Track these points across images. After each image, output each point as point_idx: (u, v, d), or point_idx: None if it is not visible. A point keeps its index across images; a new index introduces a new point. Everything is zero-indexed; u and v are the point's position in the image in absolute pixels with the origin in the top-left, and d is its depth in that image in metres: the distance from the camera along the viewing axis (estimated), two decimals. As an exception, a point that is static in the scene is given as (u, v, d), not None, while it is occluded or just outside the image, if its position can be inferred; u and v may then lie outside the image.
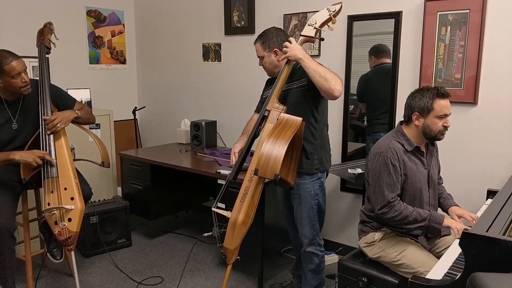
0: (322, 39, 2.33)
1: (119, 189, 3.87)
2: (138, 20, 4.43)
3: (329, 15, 2.08)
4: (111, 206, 3.34)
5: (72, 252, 2.38)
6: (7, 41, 3.34)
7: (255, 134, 2.16)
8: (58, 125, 2.39)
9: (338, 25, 2.98)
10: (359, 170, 2.64)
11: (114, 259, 3.20)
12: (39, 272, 2.93)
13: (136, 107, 4.07)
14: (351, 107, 3.20)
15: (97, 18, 4.09)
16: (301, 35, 2.15)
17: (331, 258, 3.17)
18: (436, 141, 2.11)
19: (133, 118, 4.12)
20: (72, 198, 2.37)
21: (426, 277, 1.49)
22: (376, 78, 3.10)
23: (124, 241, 3.42)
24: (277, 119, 2.06)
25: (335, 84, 1.99)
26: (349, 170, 2.67)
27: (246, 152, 2.18)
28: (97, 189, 3.66)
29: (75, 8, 3.92)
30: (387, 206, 1.93)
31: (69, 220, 2.33)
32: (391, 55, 2.88)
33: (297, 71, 2.25)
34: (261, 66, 2.39)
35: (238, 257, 2.12)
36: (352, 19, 2.97)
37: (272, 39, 2.28)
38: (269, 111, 2.13)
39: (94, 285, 2.83)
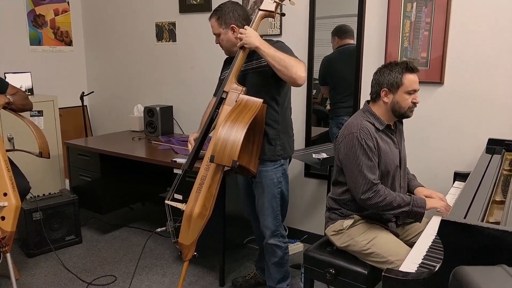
0: (283, 14, 2.15)
1: (67, 182, 3.56)
2: (84, -3, 4.07)
3: (290, -13, 1.90)
4: (57, 201, 3.05)
5: (8, 256, 2.11)
6: None
7: (212, 118, 1.96)
8: None
9: (300, 4, 2.83)
10: (324, 155, 2.51)
11: (62, 258, 2.93)
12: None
13: (83, 92, 3.74)
14: (314, 91, 3.06)
15: (37, -6, 3.71)
16: (260, 10, 1.96)
17: (296, 247, 3.05)
18: (403, 120, 2.00)
19: (80, 104, 3.79)
20: (5, 194, 2.10)
21: (400, 269, 1.36)
22: (339, 60, 2.97)
23: (73, 238, 3.14)
24: (236, 101, 1.87)
25: (297, 71, 1.84)
26: (314, 155, 2.53)
27: (203, 139, 1.98)
28: (43, 183, 3.37)
29: (11, -17, 3.53)
30: (371, 190, 1.78)
31: (2, 218, 2.06)
32: (355, 36, 2.75)
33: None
34: (218, 44, 2.18)
35: (195, 253, 1.94)
36: (314, -6, 2.81)
37: (229, 14, 2.07)
38: (227, 92, 1.93)
39: (38, 288, 2.57)
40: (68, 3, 3.96)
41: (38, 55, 3.79)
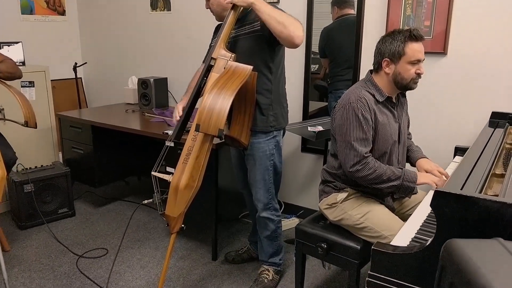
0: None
1: (61, 154, 3.50)
2: (77, -36, 3.93)
3: None
4: (49, 173, 2.99)
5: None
6: None
7: (199, 87, 1.87)
8: None
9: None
10: (320, 128, 2.42)
11: (54, 230, 2.89)
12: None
13: (76, 63, 3.64)
14: (315, 66, 2.95)
15: (27, -40, 3.58)
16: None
17: (292, 222, 2.99)
18: (407, 92, 1.90)
19: (74, 76, 3.69)
20: (-11, 164, 2.03)
21: (391, 243, 1.30)
22: (339, 31, 2.84)
23: (66, 210, 3.10)
24: (224, 68, 1.77)
25: (295, 30, 1.72)
26: (309, 128, 2.45)
27: (191, 108, 1.89)
28: (35, 155, 3.32)
29: None
30: (360, 163, 1.71)
31: (-13, 189, 2.00)
32: (355, 5, 2.62)
33: (250, 14, 1.95)
34: (209, 9, 2.07)
35: (183, 226, 1.88)
36: (313, -41, 2.66)
37: None
38: (215, 59, 1.83)
39: (28, 260, 2.53)
40: (60, -30, 3.82)
41: (30, 25, 3.67)
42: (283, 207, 3.15)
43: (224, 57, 1.81)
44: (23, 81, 3.16)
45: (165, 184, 1.88)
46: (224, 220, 3.03)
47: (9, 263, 2.48)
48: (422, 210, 1.55)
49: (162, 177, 1.85)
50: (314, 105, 3.03)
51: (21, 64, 3.32)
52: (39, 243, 2.75)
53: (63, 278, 2.37)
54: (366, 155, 1.72)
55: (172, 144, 1.98)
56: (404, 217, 1.76)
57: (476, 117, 2.32)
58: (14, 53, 3.30)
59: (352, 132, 1.72)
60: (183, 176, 1.76)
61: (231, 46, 1.97)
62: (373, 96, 1.78)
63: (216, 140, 2.07)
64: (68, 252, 2.62)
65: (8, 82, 2.29)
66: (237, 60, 1.82)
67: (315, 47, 2.89)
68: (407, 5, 2.39)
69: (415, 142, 2.11)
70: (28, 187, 2.87)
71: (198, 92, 1.87)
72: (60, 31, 3.92)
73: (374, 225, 1.76)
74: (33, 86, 3.28)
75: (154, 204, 1.96)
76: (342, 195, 1.87)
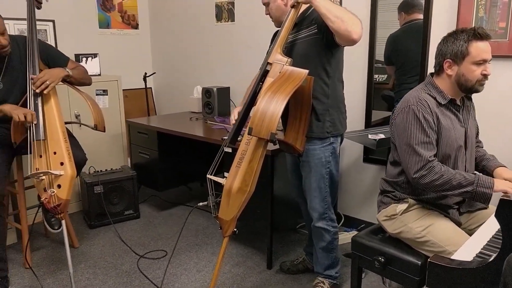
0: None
1: (129, 159, 3.70)
2: (150, -19, 4.18)
3: None
4: (117, 176, 3.17)
5: (64, 222, 2.21)
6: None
7: (255, 92, 1.87)
8: (47, 82, 2.19)
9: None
10: (381, 136, 2.31)
11: (120, 231, 3.04)
12: (27, 243, 2.80)
13: (146, 73, 3.84)
14: (384, 76, 2.85)
15: (106, -21, 3.87)
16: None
17: (351, 236, 2.86)
18: (473, 95, 1.76)
19: (144, 86, 3.91)
20: (61, 163, 2.18)
21: (452, 257, 1.18)
22: (406, 37, 2.72)
23: (131, 212, 3.26)
24: (279, 72, 1.76)
25: (353, 25, 1.65)
26: (370, 136, 2.35)
27: (246, 113, 1.90)
28: (107, 159, 3.52)
29: (82, -32, 3.71)
30: (425, 168, 1.59)
31: (59, 186, 2.15)
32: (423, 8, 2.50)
33: (306, 18, 1.93)
34: (268, 15, 2.08)
35: (236, 230, 1.87)
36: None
37: None
38: (271, 64, 1.83)
39: (94, 257, 2.68)
40: (135, -13, 4.09)
41: (106, 38, 3.95)
42: (342, 220, 3.04)
43: (280, 62, 1.80)
44: (97, 89, 3.40)
45: (221, 188, 1.90)
46: (281, 229, 2.99)
47: (76, 258, 2.65)
48: (492, 224, 1.41)
49: (217, 180, 1.87)
50: (379, 115, 2.92)
51: (97, 74, 3.57)
52: (105, 241, 2.91)
53: (124, 276, 2.47)
54: (430, 159, 1.60)
55: (230, 150, 2.00)
56: (472, 234, 1.61)
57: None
58: (92, 65, 3.56)
59: (414, 136, 1.61)
60: (235, 180, 1.77)
61: (288, 51, 1.96)
62: (435, 98, 1.66)
63: (272, 146, 2.06)
64: (131, 252, 2.74)
65: (80, 88, 2.47)
66: (293, 64, 1.80)
67: (379, 56, 2.79)
68: (480, 6, 2.22)
69: (486, 149, 1.94)
70: (98, 188, 3.06)
71: (253, 97, 1.88)
72: (133, 44, 4.17)
73: (437, 240, 1.63)
74: (107, 94, 3.51)
75: (209, 207, 1.98)
76: (402, 206, 1.76)
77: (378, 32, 2.73)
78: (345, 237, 2.81)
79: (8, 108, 2.19)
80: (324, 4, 1.68)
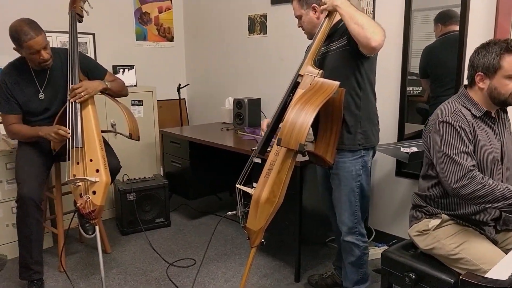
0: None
1: (162, 168, 3.78)
2: (186, -5, 4.30)
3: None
4: (150, 184, 3.24)
5: (97, 228, 2.28)
6: (45, 15, 3.32)
7: (285, 103, 1.88)
8: (83, 93, 2.28)
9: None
10: (414, 149, 2.26)
11: (151, 238, 3.10)
12: (62, 247, 2.89)
13: (180, 85, 3.94)
14: (419, 89, 2.80)
15: (144, -7, 4.01)
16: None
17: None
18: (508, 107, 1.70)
19: (178, 96, 4.00)
20: (97, 170, 2.26)
21: (486, 275, 1.14)
22: (442, 49, 2.67)
23: (162, 220, 3.31)
24: (310, 84, 1.76)
25: (373, 33, 1.64)
26: (402, 149, 2.30)
27: (276, 124, 1.91)
28: (140, 168, 3.62)
29: (122, -17, 3.86)
30: (466, 177, 1.52)
31: (94, 193, 2.22)
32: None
33: (338, 30, 1.93)
34: (300, 28, 2.10)
35: (263, 241, 1.87)
36: (411, -22, 2.56)
37: None
38: (302, 76, 1.84)
39: (125, 263, 2.74)
40: (171, 1, 4.21)
41: (142, 50, 4.09)
42: (373, 235, 2.98)
43: (311, 74, 1.81)
44: (133, 100, 3.51)
45: (250, 198, 1.91)
46: (310, 242, 2.96)
47: (108, 264, 2.72)
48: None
49: (245, 190, 1.88)
50: (412, 128, 2.86)
51: (133, 85, 3.69)
52: (136, 248, 2.97)
53: (153, 283, 2.51)
54: (471, 168, 1.54)
55: (259, 161, 2.01)
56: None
57: None
58: (128, 76, 3.69)
59: (453, 146, 1.57)
60: (264, 190, 1.77)
61: (320, 63, 1.97)
62: (469, 111, 1.62)
63: (301, 158, 2.05)
64: (160, 260, 2.78)
65: (117, 99, 2.56)
66: (325, 76, 1.80)
67: (414, 69, 2.75)
68: (520, 17, 2.15)
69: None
70: (131, 196, 3.14)
71: (283, 108, 1.89)
72: (168, 56, 4.29)
73: (472, 257, 1.57)
74: (142, 105, 3.61)
75: (237, 217, 1.99)
76: (434, 222, 1.71)
77: (413, 44, 2.69)
78: (376, 252, 2.75)
79: (44, 133, 2.29)
80: (348, 11, 1.69)
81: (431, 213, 1.74)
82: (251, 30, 3.65)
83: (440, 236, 1.68)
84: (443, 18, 2.60)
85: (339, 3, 1.71)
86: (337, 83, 1.73)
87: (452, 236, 1.65)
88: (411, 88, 2.80)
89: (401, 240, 2.79)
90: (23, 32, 2.18)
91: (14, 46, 2.26)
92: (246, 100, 3.46)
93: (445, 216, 1.69)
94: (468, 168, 1.54)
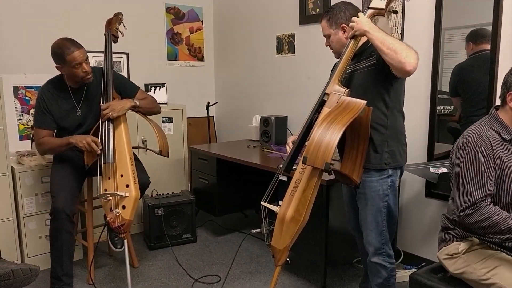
0: (395, 12, 2.01)
1: (189, 184, 3.83)
2: (216, 16, 4.41)
3: (404, -20, 1.76)
4: (177, 200, 3.29)
5: (126, 242, 2.33)
6: (83, 36, 3.48)
7: (311, 121, 1.89)
8: (110, 114, 2.37)
9: (425, 13, 2.61)
10: (444, 170, 2.22)
11: (177, 254, 3.13)
12: (92, 260, 2.95)
13: (209, 103, 4.03)
14: (450, 108, 2.76)
15: (176, 15, 4.14)
16: (368, 8, 1.84)
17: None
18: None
19: (206, 114, 4.08)
20: (127, 185, 2.32)
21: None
22: (473, 68, 2.63)
23: (189, 236, 3.35)
24: (337, 103, 1.77)
25: (407, 57, 1.64)
26: (431, 169, 2.26)
27: (301, 142, 1.92)
28: (169, 183, 3.68)
29: (155, 5, 4.00)
30: (471, 207, 1.53)
31: (123, 207, 2.28)
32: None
33: (366, 50, 1.94)
34: (328, 46, 2.12)
35: (288, 259, 1.86)
36: (440, -4, 2.55)
37: (340, 14, 1.98)
38: (328, 94, 1.85)
39: (152, 278, 2.78)
40: (202, 21, 4.34)
41: (173, 69, 4.20)
42: (402, 256, 2.91)
43: (337, 92, 1.82)
44: (163, 117, 3.60)
45: (275, 216, 1.91)
46: (336, 262, 2.91)
47: (135, 278, 2.76)
48: None
49: (270, 207, 1.89)
50: (443, 148, 2.80)
51: (164, 103, 3.78)
52: (163, 263, 3.00)
53: (178, 298, 2.53)
54: (480, 199, 1.53)
55: (285, 178, 2.02)
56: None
57: None
58: (160, 94, 3.79)
59: (468, 174, 1.55)
60: (289, 209, 1.77)
61: (347, 81, 1.98)
62: (498, 134, 1.58)
63: (327, 176, 2.05)
64: (186, 275, 2.80)
65: (148, 116, 2.63)
66: (351, 95, 1.81)
67: (445, 87, 2.71)
68: (555, 36, 2.10)
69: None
70: (159, 211, 3.19)
71: (309, 126, 1.90)
72: (197, 75, 4.40)
73: (505, 283, 1.52)
74: (172, 122, 3.70)
75: (262, 235, 2.00)
76: (464, 245, 1.67)
77: (444, 63, 2.66)
78: (404, 274, 2.67)
79: (74, 140, 2.37)
80: (379, 36, 1.70)
81: (460, 236, 1.70)
82: (279, 50, 3.70)
83: (471, 260, 1.63)
84: (474, 36, 2.56)
85: (367, 28, 1.73)
86: (364, 101, 1.73)
87: (484, 260, 1.60)
88: (441, 107, 2.76)
89: (431, 263, 2.72)
90: (65, 46, 2.31)
91: (56, 65, 2.37)
92: (273, 118, 3.49)
93: (475, 240, 1.65)
94: (476, 199, 1.53)
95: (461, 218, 1.57)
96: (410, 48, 1.68)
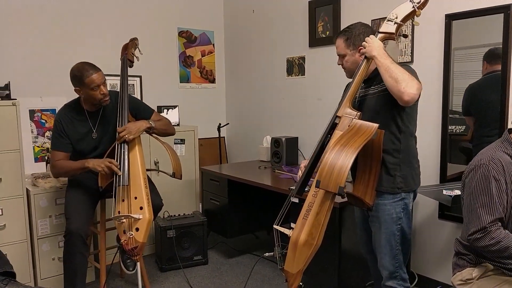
0: (405, 36, 2.02)
1: (201, 205, 3.84)
2: (227, 39, 4.50)
3: (413, 7, 1.79)
4: (189, 221, 3.30)
5: (138, 265, 2.33)
6: (98, 59, 3.56)
7: (323, 144, 1.90)
8: (126, 136, 2.41)
9: (434, 34, 2.64)
10: (457, 192, 2.21)
11: (188, 276, 3.12)
12: (104, 283, 2.95)
13: (220, 124, 4.07)
14: (462, 128, 2.76)
15: (188, 38, 4.23)
16: (379, 32, 1.87)
17: (426, 298, 2.69)
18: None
19: (218, 135, 4.12)
20: (141, 208, 2.35)
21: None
22: (486, 87, 2.63)
23: (200, 258, 3.34)
24: (348, 126, 1.79)
25: (406, 87, 1.69)
26: (445, 192, 2.25)
27: (313, 164, 1.93)
28: (180, 204, 3.69)
29: (168, 29, 4.10)
30: (481, 231, 1.53)
31: (137, 230, 2.30)
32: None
33: (379, 75, 1.96)
34: (340, 65, 2.11)
35: (301, 284, 1.85)
36: (450, 18, 2.58)
37: (359, 36, 1.98)
38: (340, 117, 1.87)
39: (163, 300, 2.77)
40: (213, 45, 4.42)
41: (185, 91, 4.27)
42: (416, 280, 2.86)
43: (349, 115, 1.83)
44: (175, 139, 3.64)
45: (287, 238, 1.91)
46: (349, 286, 2.87)
47: (148, 300, 2.75)
48: None
49: (283, 231, 1.89)
50: (456, 168, 2.78)
51: (176, 125, 3.83)
52: (174, 286, 2.99)
53: (190, 321, 2.51)
54: (490, 223, 1.52)
55: (297, 201, 2.02)
56: None
57: None
58: (172, 115, 3.85)
59: (479, 197, 1.55)
60: (302, 232, 1.77)
61: (359, 105, 1.99)
62: (511, 157, 1.58)
63: (340, 199, 2.05)
64: (198, 298, 2.79)
65: (162, 138, 2.67)
66: (363, 118, 1.82)
67: (457, 107, 2.71)
68: None
69: None
70: (170, 232, 3.20)
71: (321, 149, 1.91)
72: (209, 96, 4.46)
73: (522, 310, 1.49)
74: (184, 143, 3.74)
75: (275, 258, 1.99)
76: (478, 271, 1.65)
77: (454, 82, 2.67)
78: (419, 299, 2.63)
79: (90, 164, 2.39)
80: (384, 63, 1.74)
81: (474, 262, 1.68)
82: (290, 72, 3.75)
83: (485, 286, 1.61)
84: (489, 56, 2.57)
85: (376, 53, 1.76)
86: (376, 125, 1.74)
87: (498, 286, 1.58)
88: (453, 126, 2.75)
89: (446, 286, 2.68)
90: (84, 69, 2.37)
91: (75, 87, 2.43)
92: (283, 138, 3.51)
93: (489, 265, 1.63)
94: (486, 223, 1.53)
95: (471, 241, 1.57)
96: (412, 78, 1.71)
